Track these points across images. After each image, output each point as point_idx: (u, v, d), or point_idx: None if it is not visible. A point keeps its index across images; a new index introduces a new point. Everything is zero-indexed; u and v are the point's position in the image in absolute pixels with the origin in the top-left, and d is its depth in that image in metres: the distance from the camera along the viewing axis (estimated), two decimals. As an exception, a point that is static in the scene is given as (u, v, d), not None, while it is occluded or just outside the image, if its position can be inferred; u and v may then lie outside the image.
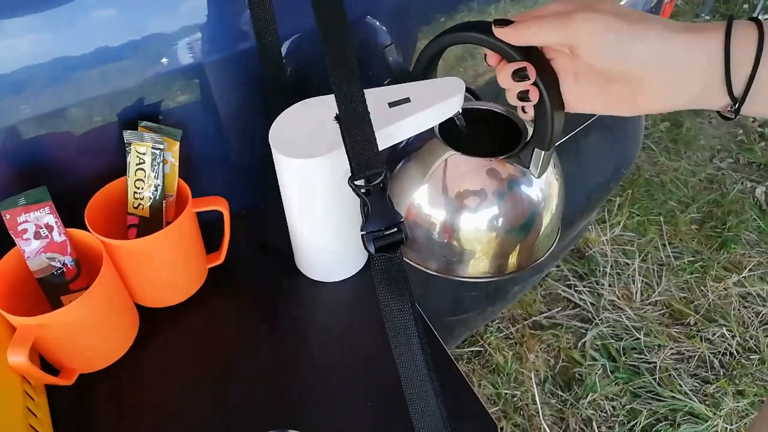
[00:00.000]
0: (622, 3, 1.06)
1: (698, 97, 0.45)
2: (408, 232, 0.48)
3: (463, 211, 0.60)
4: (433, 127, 0.61)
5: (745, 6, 2.82)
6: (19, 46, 0.51)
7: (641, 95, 0.46)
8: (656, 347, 1.60)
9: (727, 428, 1.45)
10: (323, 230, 0.63)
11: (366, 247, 0.48)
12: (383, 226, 0.48)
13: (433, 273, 0.64)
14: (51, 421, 0.55)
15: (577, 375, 1.55)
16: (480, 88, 0.87)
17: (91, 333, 0.56)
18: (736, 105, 0.43)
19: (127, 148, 0.58)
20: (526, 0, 0.87)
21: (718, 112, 0.45)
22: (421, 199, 0.61)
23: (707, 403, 1.50)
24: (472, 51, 0.84)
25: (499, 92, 0.55)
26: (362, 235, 0.48)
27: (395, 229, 0.48)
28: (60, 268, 0.56)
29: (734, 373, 1.56)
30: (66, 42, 0.53)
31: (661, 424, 1.46)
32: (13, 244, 0.54)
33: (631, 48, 0.44)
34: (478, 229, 0.60)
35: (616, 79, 0.46)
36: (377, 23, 0.71)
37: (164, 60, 0.58)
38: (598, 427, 1.45)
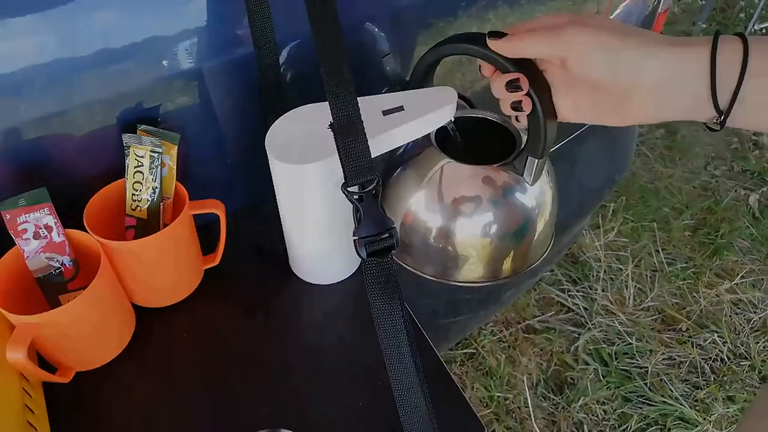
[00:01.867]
0: (618, 11, 1.07)
1: (687, 109, 0.46)
2: (401, 237, 0.49)
3: (458, 217, 0.61)
4: (429, 135, 0.62)
5: (741, 15, 2.83)
6: (19, 48, 0.52)
7: (630, 106, 0.47)
8: (648, 352, 1.61)
9: (716, 434, 1.47)
10: (317, 234, 0.64)
11: (358, 252, 0.49)
12: (375, 232, 0.49)
13: (429, 278, 0.65)
14: (48, 417, 0.55)
15: (569, 379, 1.56)
16: (477, 93, 0.88)
17: (88, 332, 0.57)
18: (722, 117, 0.44)
19: (126, 151, 0.59)
20: (524, 6, 0.87)
21: (705, 123, 0.47)
22: (417, 205, 0.62)
23: (698, 408, 1.51)
24: (470, 57, 0.85)
25: (495, 97, 0.56)
26: (354, 240, 0.49)
27: (387, 235, 0.49)
28: (58, 268, 0.57)
29: (725, 379, 1.57)
30: (65, 44, 0.54)
31: (651, 429, 1.47)
32: (12, 244, 0.55)
33: (621, 61, 0.45)
34: (473, 234, 0.61)
35: (606, 90, 0.47)
36: (376, 29, 0.72)
37: (164, 63, 0.59)
38: (589, 431, 1.46)
